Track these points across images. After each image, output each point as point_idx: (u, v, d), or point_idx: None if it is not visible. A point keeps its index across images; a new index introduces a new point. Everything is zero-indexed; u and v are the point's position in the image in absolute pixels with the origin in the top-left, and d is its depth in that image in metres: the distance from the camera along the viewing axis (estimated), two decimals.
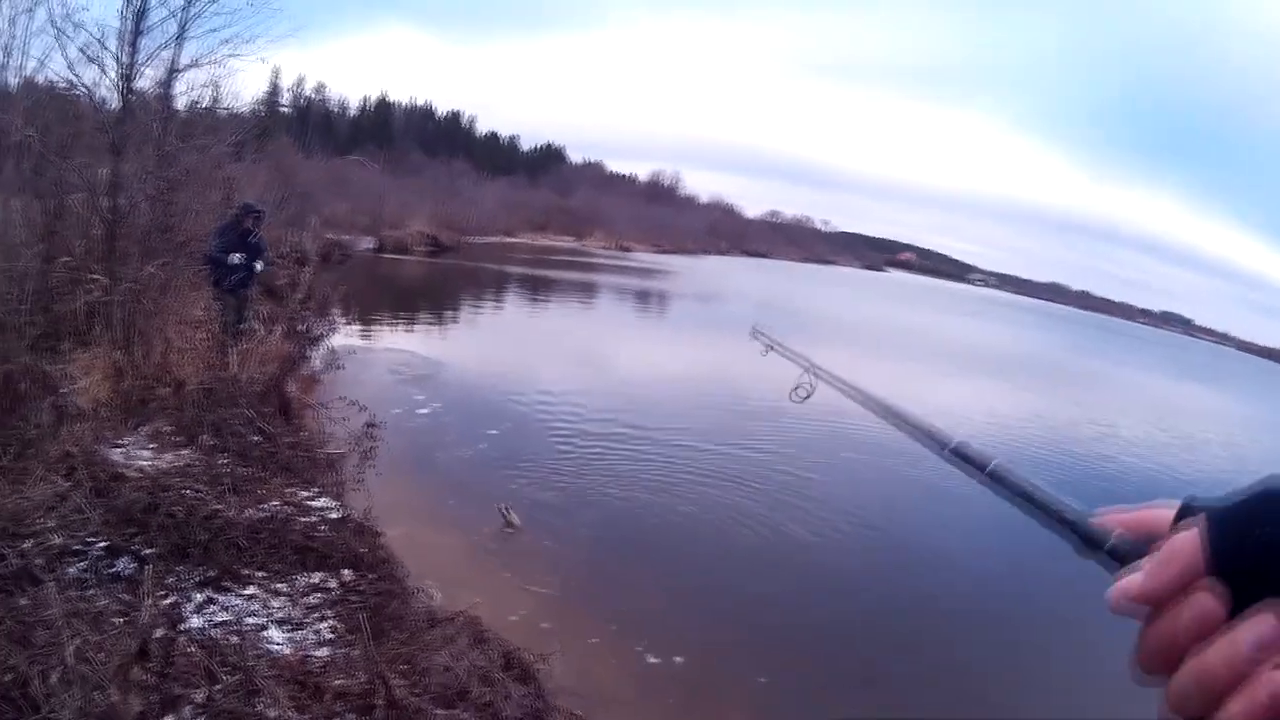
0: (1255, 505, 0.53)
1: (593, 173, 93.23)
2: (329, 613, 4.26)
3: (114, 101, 7.47)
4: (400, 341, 14.65)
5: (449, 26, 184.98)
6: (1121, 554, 0.60)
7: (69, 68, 7.18)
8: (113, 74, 7.25)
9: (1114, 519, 0.63)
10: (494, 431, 9.36)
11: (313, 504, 5.44)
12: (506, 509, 6.66)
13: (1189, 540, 0.53)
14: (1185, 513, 0.57)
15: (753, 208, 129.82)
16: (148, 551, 4.20)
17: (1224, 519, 0.53)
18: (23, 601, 3.32)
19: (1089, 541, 0.64)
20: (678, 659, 5.17)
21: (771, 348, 2.17)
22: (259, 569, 4.48)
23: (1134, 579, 0.55)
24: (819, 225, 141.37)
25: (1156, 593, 0.53)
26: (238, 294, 8.55)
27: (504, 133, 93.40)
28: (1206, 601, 0.50)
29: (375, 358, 12.40)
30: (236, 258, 8.50)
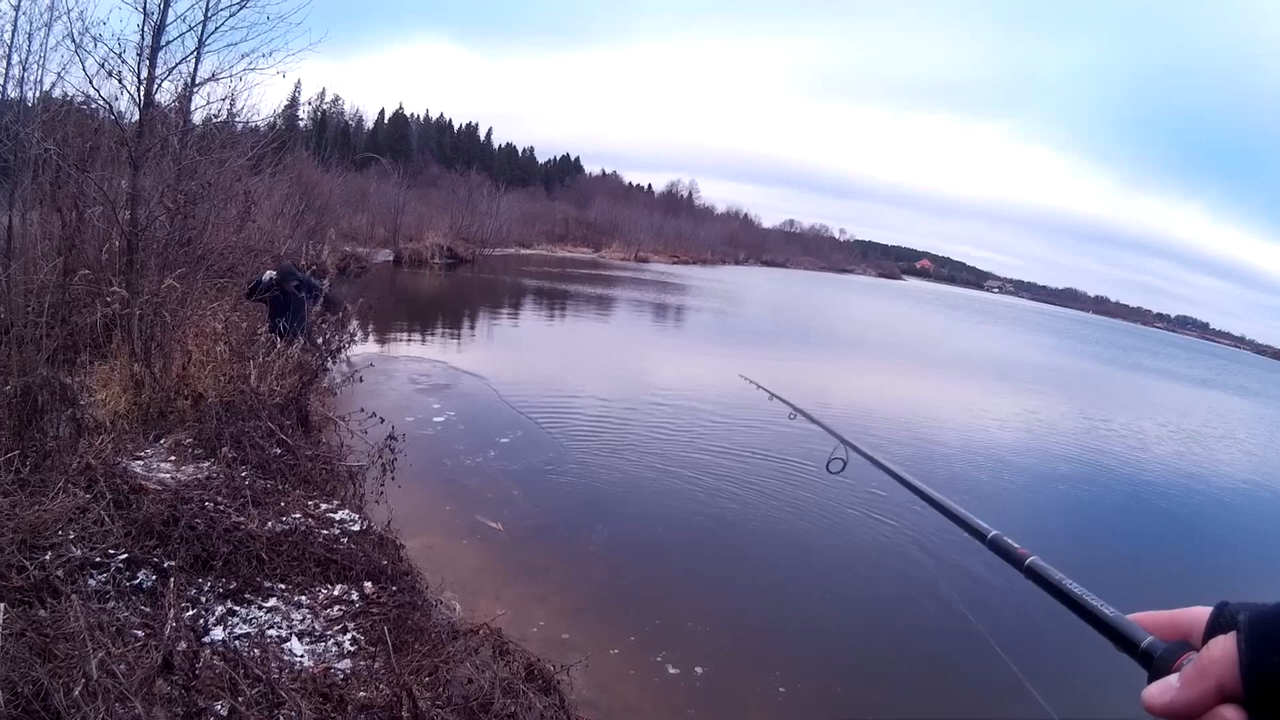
0: None
1: (609, 183, 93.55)
2: (351, 625, 4.23)
3: (132, 115, 7.51)
4: (417, 352, 14.76)
5: (482, 40, 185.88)
6: (1155, 658, 0.62)
7: (88, 81, 7.20)
8: (131, 88, 7.28)
9: (1149, 620, 0.65)
10: (505, 440, 9.40)
11: (333, 516, 5.42)
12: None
13: (1222, 656, 0.54)
14: (1219, 617, 0.59)
15: (769, 217, 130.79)
16: (169, 564, 4.19)
17: (1258, 635, 0.53)
18: (43, 614, 3.31)
19: (1122, 643, 0.66)
20: (698, 669, 5.13)
21: (797, 415, 2.13)
22: (280, 581, 4.46)
23: (1167, 689, 0.57)
24: (835, 234, 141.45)
25: (1185, 708, 0.56)
26: (296, 330, 8.66)
27: (522, 144, 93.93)
28: None
29: (393, 369, 12.45)
30: (268, 274, 8.66)
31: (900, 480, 1.23)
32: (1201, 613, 0.61)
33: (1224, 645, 0.54)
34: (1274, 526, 12.31)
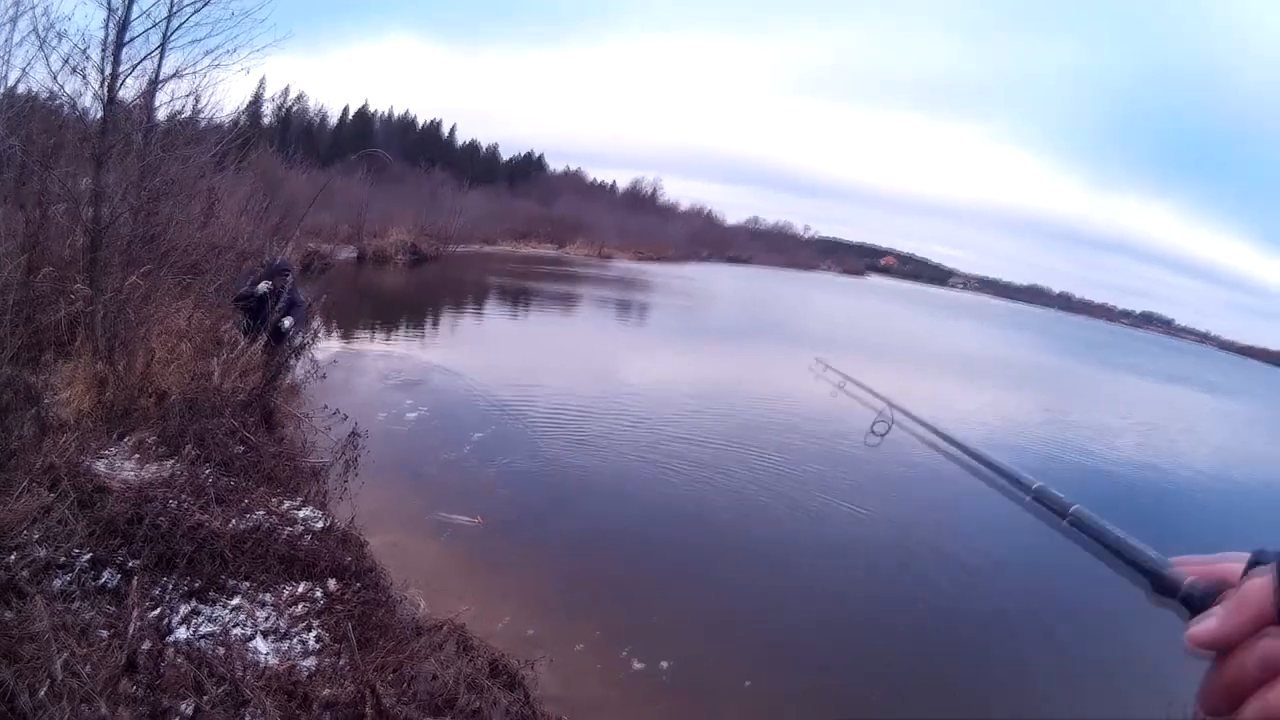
0: None
1: (573, 181, 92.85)
2: (315, 622, 4.26)
3: (96, 112, 7.44)
4: (385, 349, 14.69)
5: (453, 37, 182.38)
6: (1195, 600, 0.64)
7: (52, 77, 7.14)
8: (95, 84, 7.22)
9: (1189, 567, 0.67)
10: (479, 435, 9.41)
11: (297, 514, 5.44)
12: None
13: (1260, 588, 0.58)
14: (1256, 560, 0.61)
15: (733, 215, 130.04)
16: (133, 563, 4.19)
17: None
18: (8, 615, 3.31)
19: (1164, 587, 0.68)
20: (663, 664, 5.20)
21: (845, 383, 2.19)
22: (244, 579, 4.47)
23: (1208, 625, 0.60)
24: (800, 231, 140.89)
25: (1228, 638, 0.58)
26: (260, 327, 8.68)
27: (485, 142, 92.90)
28: (1273, 646, 0.55)
29: (356, 365, 12.41)
30: (263, 285, 8.68)
31: (941, 438, 1.29)
32: (1238, 558, 0.64)
33: (1261, 580, 0.58)
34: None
